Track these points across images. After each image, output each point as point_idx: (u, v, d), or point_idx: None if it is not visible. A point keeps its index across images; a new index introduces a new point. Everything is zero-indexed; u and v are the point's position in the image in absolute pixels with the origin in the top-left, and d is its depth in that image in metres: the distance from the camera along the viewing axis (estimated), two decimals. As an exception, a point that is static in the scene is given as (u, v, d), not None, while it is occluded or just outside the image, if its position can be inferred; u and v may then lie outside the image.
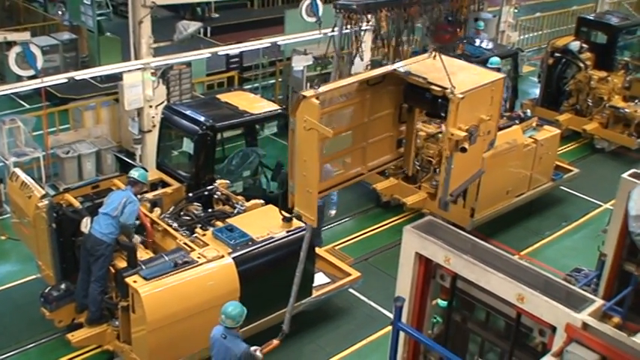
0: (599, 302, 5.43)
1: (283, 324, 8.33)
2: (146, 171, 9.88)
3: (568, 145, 17.00)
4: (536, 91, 18.46)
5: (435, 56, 8.58)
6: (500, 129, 12.31)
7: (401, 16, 8.62)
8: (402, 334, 6.48)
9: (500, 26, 20.12)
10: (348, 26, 8.21)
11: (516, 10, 21.20)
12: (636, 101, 16.48)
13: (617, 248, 8.45)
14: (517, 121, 13.34)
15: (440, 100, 8.24)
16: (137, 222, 9.46)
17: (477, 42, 16.32)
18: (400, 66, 8.47)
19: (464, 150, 8.04)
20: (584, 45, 17.38)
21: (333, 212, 11.85)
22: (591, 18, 18.87)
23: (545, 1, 28.64)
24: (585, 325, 5.13)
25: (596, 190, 14.66)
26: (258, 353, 7.77)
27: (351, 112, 8.27)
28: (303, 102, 7.43)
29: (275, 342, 8.17)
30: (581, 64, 17.02)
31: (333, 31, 8.20)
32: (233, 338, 7.65)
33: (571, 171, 14.49)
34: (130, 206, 9.10)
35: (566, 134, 16.47)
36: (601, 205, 14.27)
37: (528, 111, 14.87)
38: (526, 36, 23.74)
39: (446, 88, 7.88)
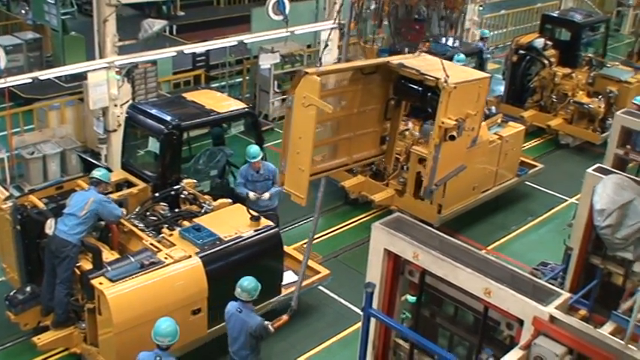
0: (565, 295, 5.49)
1: (292, 301, 8.81)
2: (109, 170, 9.82)
3: (533, 141, 17.20)
4: (501, 88, 18.63)
5: (419, 55, 9.00)
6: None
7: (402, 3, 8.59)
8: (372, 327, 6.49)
9: (466, 24, 20.25)
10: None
11: (481, 8, 21.38)
12: (600, 97, 16.71)
13: (583, 242, 8.55)
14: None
15: (429, 94, 8.54)
16: (102, 223, 9.40)
17: (443, 40, 16.43)
18: (393, 59, 8.77)
19: (452, 138, 8.28)
20: (548, 42, 17.59)
21: (266, 195, 11.21)
22: (555, 15, 19.12)
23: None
24: (552, 318, 5.17)
25: (561, 184, 14.84)
26: (270, 327, 8.19)
27: (343, 100, 8.43)
28: (304, 78, 7.52)
29: (285, 317, 8.61)
30: (546, 61, 17.22)
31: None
32: (248, 312, 8.06)
33: (536, 166, 14.67)
34: (105, 205, 9.19)
35: (530, 130, 16.66)
36: (566, 200, 14.45)
37: (493, 108, 15.00)
38: (491, 33, 23.95)
39: (439, 79, 8.12)
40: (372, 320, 6.46)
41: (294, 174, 7.94)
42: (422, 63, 8.71)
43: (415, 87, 8.77)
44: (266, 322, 8.15)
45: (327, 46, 8.89)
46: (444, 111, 8.24)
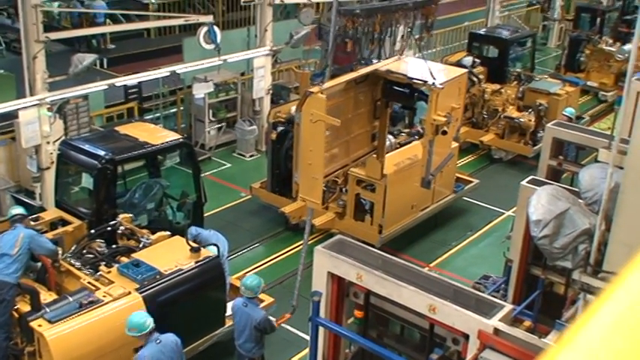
0: (508, 307, 5.54)
1: (293, 300, 9.56)
2: (43, 209, 9.65)
3: (467, 157, 17.47)
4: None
5: (398, 59, 10.47)
6: (400, 145, 12.69)
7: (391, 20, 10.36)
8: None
9: (396, 45, 20.52)
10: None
11: (409, 29, 21.68)
12: (530, 110, 17.11)
13: (523, 253, 8.69)
14: (417, 137, 13.61)
15: (416, 94, 9.98)
16: (38, 264, 9.16)
17: (374, 61, 16.58)
18: (380, 66, 10.22)
19: (445, 133, 9.57)
20: (477, 60, 17.94)
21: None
22: (482, 33, 19.54)
23: (437, 19, 29.48)
24: (497, 331, 5.21)
25: (498, 198, 15.09)
26: (274, 323, 8.91)
27: (340, 108, 9.50)
28: (310, 97, 8.47)
29: (287, 315, 9.30)
30: (475, 79, 17.55)
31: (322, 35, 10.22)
32: (253, 306, 8.65)
33: (471, 182, 14.87)
34: (35, 238, 9.06)
35: (464, 147, 16.91)
36: (503, 213, 14.69)
37: (427, 126, 15.19)
38: (421, 53, 24.31)
39: (426, 82, 9.38)
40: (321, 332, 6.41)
41: (308, 183, 8.91)
42: (405, 66, 10.14)
43: (402, 89, 10.11)
44: (270, 318, 8.76)
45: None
46: (433, 109, 9.43)
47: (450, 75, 10.08)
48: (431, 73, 9.44)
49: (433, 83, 9.36)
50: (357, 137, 10.37)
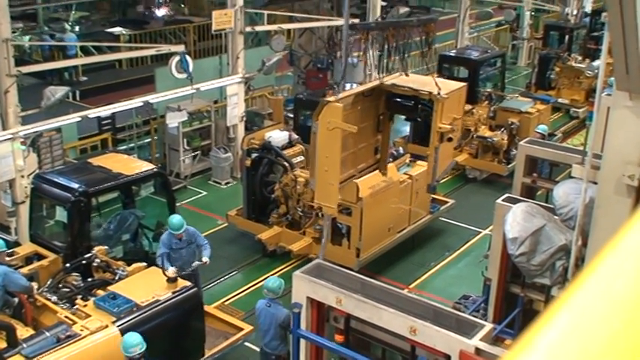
0: (489, 326, 5.53)
1: None
2: (18, 244, 9.50)
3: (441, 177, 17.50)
4: (407, 129, 19.00)
5: (400, 75, 11.09)
6: (375, 168, 12.80)
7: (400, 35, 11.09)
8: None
9: (366, 70, 20.64)
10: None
11: (379, 53, 21.84)
12: (502, 129, 17.25)
13: (501, 272, 8.70)
14: (391, 159, 13.62)
15: (420, 105, 10.84)
16: (15, 299, 9.03)
17: (347, 86, 16.65)
18: (386, 80, 10.86)
19: (450, 140, 10.38)
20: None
21: (206, 259, 10.83)
22: (452, 54, 19.73)
23: (408, 42, 29.70)
24: (478, 351, 5.19)
25: (474, 217, 15.13)
26: None
27: (349, 120, 9.76)
28: (327, 107, 9.04)
29: None
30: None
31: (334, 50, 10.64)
32: (276, 306, 8.96)
33: (447, 202, 14.91)
34: (9, 275, 8.93)
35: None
36: (480, 232, 14.73)
37: (401, 148, 15.27)
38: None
39: (432, 92, 10.13)
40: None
41: (324, 189, 9.42)
42: (407, 80, 10.84)
43: (406, 102, 10.92)
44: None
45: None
46: (439, 119, 10.15)
47: (450, 88, 10.74)
48: (436, 84, 10.18)
49: (438, 93, 10.05)
50: (362, 150, 10.96)
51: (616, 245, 1.00)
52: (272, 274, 13.07)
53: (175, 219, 10.53)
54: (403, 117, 13.21)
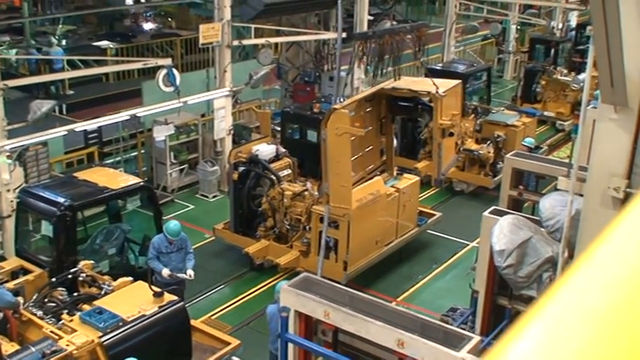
0: (476, 339, 5.53)
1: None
2: (3, 259, 9.42)
3: (429, 190, 17.53)
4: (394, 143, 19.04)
5: (396, 79, 11.84)
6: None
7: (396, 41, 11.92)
8: None
9: (354, 83, 20.73)
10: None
11: (368, 67, 21.92)
12: (488, 142, 17.31)
13: (488, 284, 8.70)
14: (378, 173, 13.64)
15: (419, 106, 12.15)
16: (0, 314, 8.95)
17: (334, 99, 16.71)
18: (385, 85, 11.79)
19: (452, 134, 11.61)
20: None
21: (191, 273, 11.01)
22: (438, 68, 19.78)
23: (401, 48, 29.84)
24: (466, 363, 5.18)
25: (461, 230, 15.15)
26: None
27: (355, 126, 10.52)
28: (334, 114, 9.63)
29: None
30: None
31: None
32: None
33: (434, 215, 14.92)
34: None
35: (425, 180, 16.99)
36: (467, 244, 14.74)
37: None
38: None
39: (430, 92, 11.12)
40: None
41: (337, 192, 10.16)
42: (406, 83, 11.75)
43: (406, 103, 11.87)
44: None
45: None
46: (440, 115, 11.17)
47: (447, 86, 11.59)
48: (434, 83, 11.10)
49: (437, 92, 10.96)
50: (368, 153, 11.81)
51: (589, 257, 1.00)
52: (259, 288, 13.05)
53: (173, 224, 10.80)
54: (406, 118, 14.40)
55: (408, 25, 12.93)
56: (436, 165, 11.59)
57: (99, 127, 17.06)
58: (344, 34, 15.18)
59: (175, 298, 9.44)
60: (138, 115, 15.94)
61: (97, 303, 9.26)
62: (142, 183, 11.68)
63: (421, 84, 11.82)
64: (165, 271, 10.63)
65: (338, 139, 9.74)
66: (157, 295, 9.25)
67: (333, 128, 9.67)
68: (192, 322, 10.07)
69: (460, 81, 12.66)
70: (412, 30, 12.39)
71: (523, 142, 15.19)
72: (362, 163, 11.44)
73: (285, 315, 6.19)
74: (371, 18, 19.78)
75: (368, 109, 11.47)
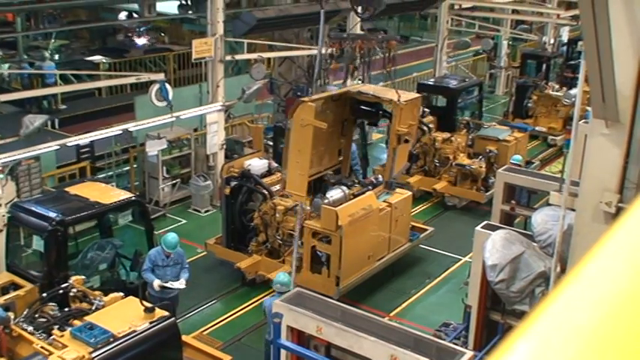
0: (469, 354, 5.52)
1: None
2: None
3: (421, 205, 17.55)
4: (386, 157, 19.06)
5: (364, 84, 12.79)
6: (354, 196, 12.89)
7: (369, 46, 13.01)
8: None
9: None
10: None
11: (360, 82, 21.99)
12: (480, 157, 17.35)
13: (481, 299, 8.69)
14: (370, 187, 13.64)
15: (381, 112, 12.61)
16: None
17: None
18: (352, 88, 12.60)
19: (407, 141, 11.95)
20: (426, 109, 18.14)
21: (183, 281, 11.01)
22: (430, 83, 19.86)
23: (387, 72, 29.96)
24: (459, 379, 5.17)
25: (454, 245, 15.14)
26: None
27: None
28: (302, 105, 10.46)
29: None
30: (425, 128, 17.76)
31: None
32: None
33: (426, 230, 14.91)
34: None
35: (418, 195, 17.02)
36: (460, 259, 14.73)
37: (380, 176, 15.27)
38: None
39: (392, 99, 11.69)
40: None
41: (294, 179, 10.82)
42: (372, 89, 12.44)
43: (369, 108, 12.57)
44: None
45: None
46: (398, 122, 11.60)
47: (409, 97, 12.23)
48: (396, 92, 11.78)
49: (398, 100, 11.52)
50: (328, 150, 12.52)
51: (579, 273, 1.00)
52: (251, 303, 13.00)
53: (170, 236, 10.90)
54: (366, 122, 14.80)
55: (380, 36, 13.93)
56: (388, 168, 12.30)
57: (91, 141, 17.02)
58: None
59: (166, 313, 9.37)
60: (130, 129, 15.91)
61: (87, 318, 9.19)
62: (133, 198, 11.65)
63: (385, 92, 12.56)
64: (157, 282, 10.65)
65: (302, 129, 10.45)
66: (148, 311, 9.18)
67: (298, 119, 10.40)
68: (184, 338, 10.01)
69: (420, 95, 13.61)
70: (383, 40, 13.29)
71: (512, 160, 15.22)
72: (320, 159, 12.22)
73: (277, 321, 6.17)
74: (362, 33, 19.83)
75: (333, 110, 12.30)
